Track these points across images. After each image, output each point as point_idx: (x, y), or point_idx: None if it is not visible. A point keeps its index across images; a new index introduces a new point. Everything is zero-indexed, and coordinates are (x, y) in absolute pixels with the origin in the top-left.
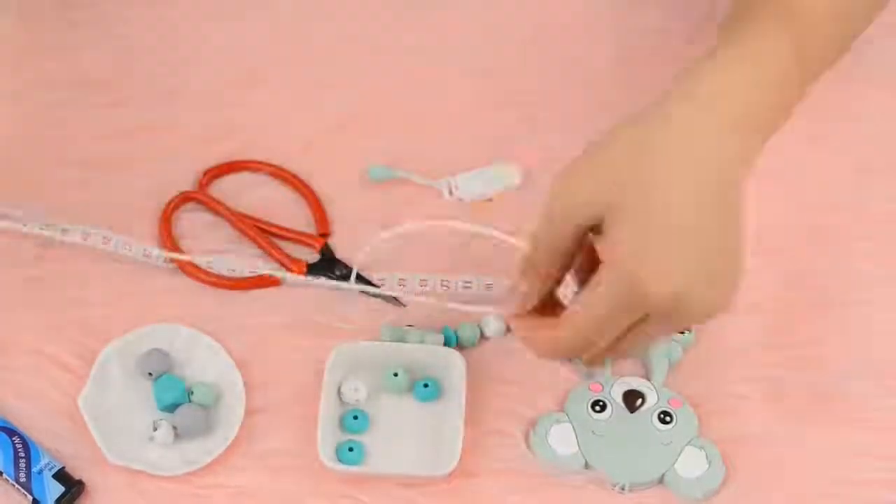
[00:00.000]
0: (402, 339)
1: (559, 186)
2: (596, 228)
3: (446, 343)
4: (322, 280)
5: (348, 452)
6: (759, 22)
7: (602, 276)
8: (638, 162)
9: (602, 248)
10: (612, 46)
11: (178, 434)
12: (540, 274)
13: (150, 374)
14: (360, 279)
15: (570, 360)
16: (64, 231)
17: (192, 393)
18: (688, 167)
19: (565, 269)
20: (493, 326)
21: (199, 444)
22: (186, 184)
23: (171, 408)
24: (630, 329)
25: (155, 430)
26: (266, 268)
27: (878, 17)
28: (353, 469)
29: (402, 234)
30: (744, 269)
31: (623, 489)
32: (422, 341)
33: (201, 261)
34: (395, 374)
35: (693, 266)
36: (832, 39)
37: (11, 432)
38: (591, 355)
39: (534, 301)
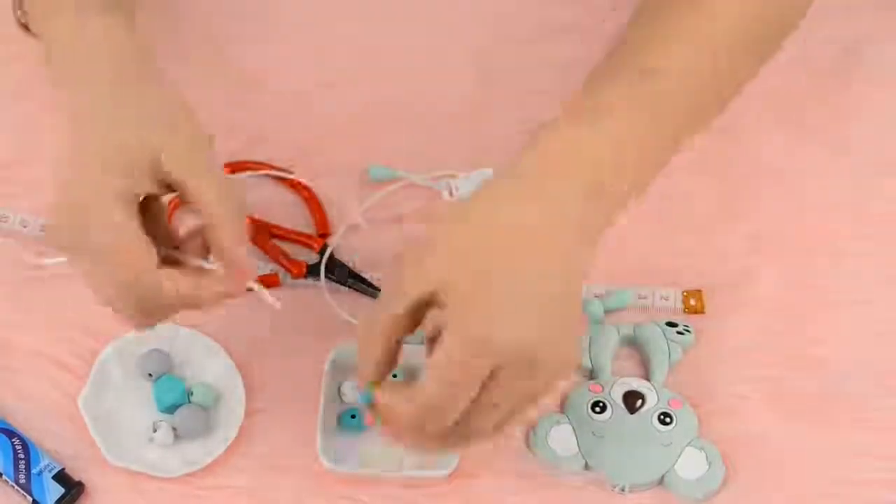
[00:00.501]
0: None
1: (407, 260)
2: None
3: None
4: (322, 281)
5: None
6: (617, 89)
7: (446, 337)
8: (480, 241)
9: (446, 314)
10: (611, 46)
11: (177, 435)
12: (383, 341)
13: (150, 374)
14: (360, 279)
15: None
16: None
17: (192, 394)
18: (532, 241)
19: (406, 333)
20: None
21: (199, 444)
22: None
23: (171, 408)
24: (480, 396)
25: (155, 431)
26: (266, 268)
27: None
28: (353, 469)
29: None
30: (577, 333)
31: (623, 490)
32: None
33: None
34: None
35: (535, 318)
36: (698, 99)
37: (11, 433)
38: (442, 431)
39: (380, 367)
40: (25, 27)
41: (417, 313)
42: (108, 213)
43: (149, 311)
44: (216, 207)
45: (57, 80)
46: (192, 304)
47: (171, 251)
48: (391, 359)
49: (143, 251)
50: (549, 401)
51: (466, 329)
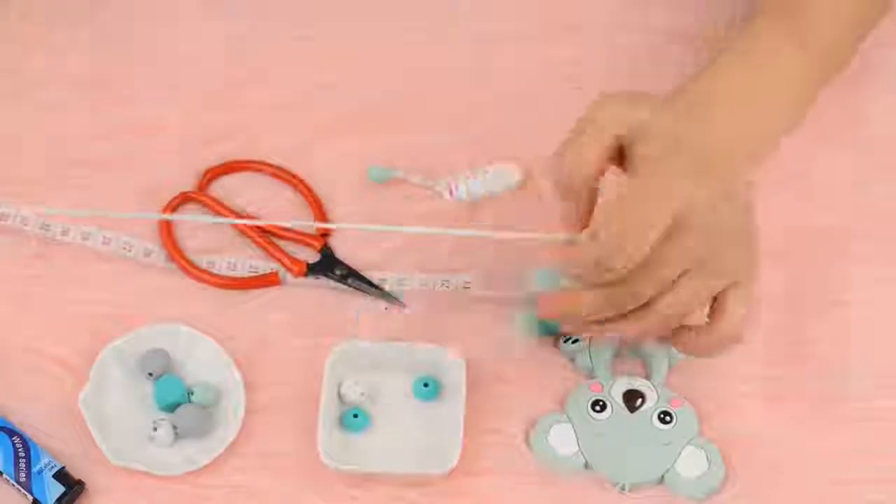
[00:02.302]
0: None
1: (605, 98)
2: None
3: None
4: (322, 280)
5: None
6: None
7: (630, 186)
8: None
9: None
10: (611, 46)
11: (178, 434)
12: (574, 189)
13: (151, 374)
14: (361, 279)
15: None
16: (64, 231)
17: (193, 393)
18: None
19: (595, 182)
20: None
21: (199, 444)
22: (186, 184)
23: (172, 408)
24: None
25: (155, 430)
26: (266, 268)
27: (881, 22)
28: (353, 469)
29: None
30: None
31: (623, 489)
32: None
33: (201, 261)
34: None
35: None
36: (838, 44)
37: (11, 432)
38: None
39: (578, 218)
40: None
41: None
42: None
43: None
44: None
45: None
46: None
47: None
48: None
49: None
50: (549, 401)
51: (657, 182)
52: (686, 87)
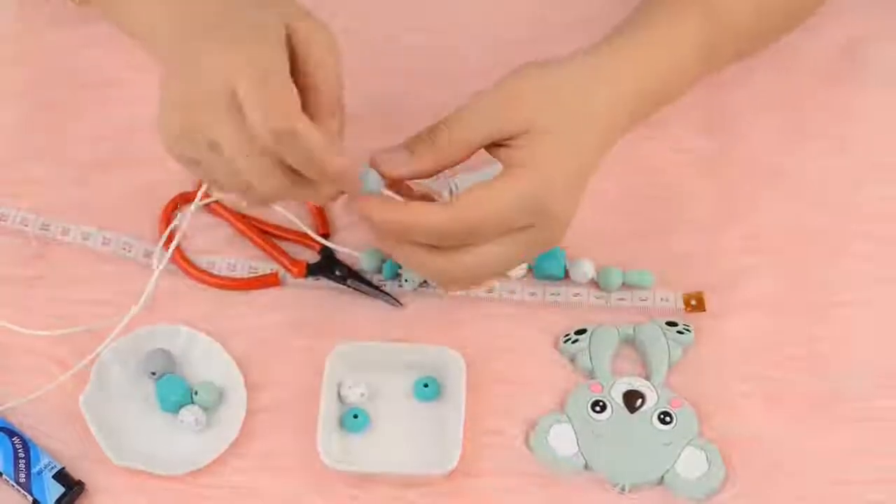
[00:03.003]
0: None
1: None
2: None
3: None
4: (322, 281)
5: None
6: (677, 7)
7: (505, 176)
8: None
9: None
10: None
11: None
12: (438, 154)
13: (154, 373)
14: (360, 280)
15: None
16: (64, 231)
17: (196, 393)
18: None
19: (452, 164)
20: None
21: (200, 443)
22: (186, 184)
23: (175, 408)
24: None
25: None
26: (266, 268)
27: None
28: (353, 469)
29: None
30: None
31: (623, 489)
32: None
33: (201, 261)
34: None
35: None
36: (747, 35)
37: (11, 433)
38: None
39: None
40: None
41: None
42: (268, 51)
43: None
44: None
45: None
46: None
47: None
48: (441, 167)
49: (291, 90)
50: (549, 401)
51: (530, 187)
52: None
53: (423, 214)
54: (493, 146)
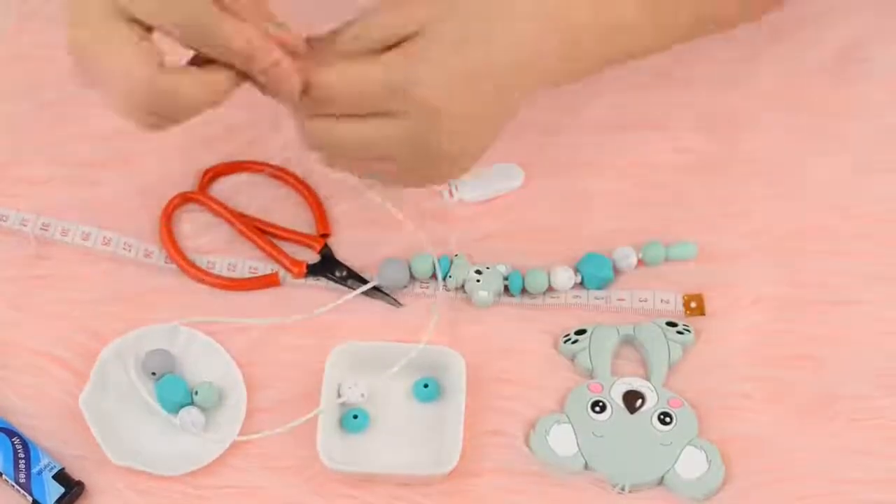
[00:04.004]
0: None
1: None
2: None
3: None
4: (322, 281)
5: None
6: None
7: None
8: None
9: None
10: None
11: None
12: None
13: (154, 373)
14: (360, 280)
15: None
16: (64, 231)
17: (197, 393)
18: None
19: None
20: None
21: (200, 444)
22: (186, 184)
23: (176, 408)
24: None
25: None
26: (266, 268)
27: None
28: (353, 469)
29: None
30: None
31: (623, 490)
32: None
33: (201, 261)
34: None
35: (463, 98)
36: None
37: (11, 433)
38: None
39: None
40: None
41: None
42: (111, 21)
43: (167, 114)
44: None
45: None
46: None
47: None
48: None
49: (141, 57)
50: (549, 401)
51: (396, 71)
52: None
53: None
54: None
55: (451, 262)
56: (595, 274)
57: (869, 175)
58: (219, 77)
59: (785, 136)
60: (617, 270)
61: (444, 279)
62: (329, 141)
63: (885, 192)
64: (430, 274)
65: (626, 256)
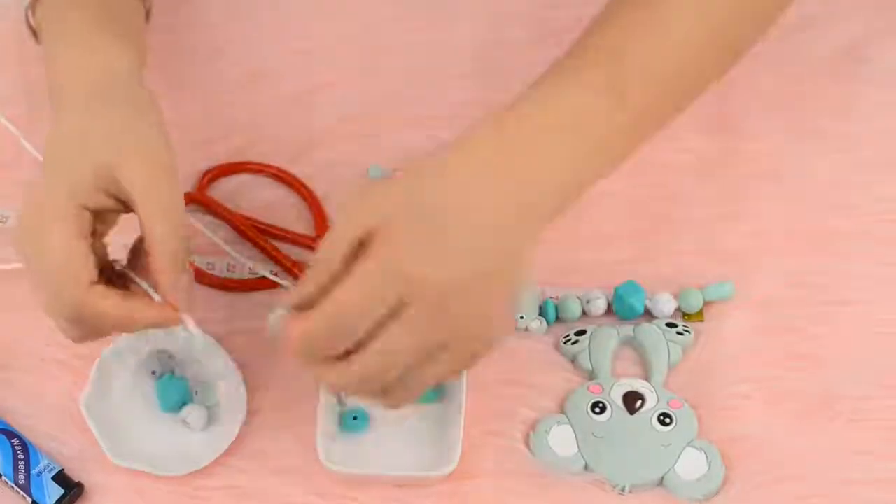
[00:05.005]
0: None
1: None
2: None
3: None
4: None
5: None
6: (585, 75)
7: (361, 264)
8: (413, 192)
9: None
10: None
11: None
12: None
13: (154, 372)
14: None
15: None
16: None
17: (196, 393)
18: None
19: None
20: None
21: (200, 444)
22: (186, 185)
23: (176, 408)
24: (380, 336)
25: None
26: (266, 269)
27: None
28: (353, 470)
29: None
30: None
31: (623, 491)
32: None
33: (201, 262)
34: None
35: (462, 264)
36: (669, 96)
37: (11, 434)
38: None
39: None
40: (34, 32)
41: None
42: (47, 231)
43: (84, 328)
44: (157, 232)
45: (50, 102)
46: (125, 326)
47: (125, 269)
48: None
49: (75, 269)
50: (549, 402)
51: (386, 264)
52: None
53: (294, 327)
54: None
55: None
56: (625, 301)
57: (870, 175)
58: (140, 304)
59: (786, 136)
60: (648, 311)
61: None
62: (351, 380)
63: (885, 192)
64: None
65: (662, 306)
